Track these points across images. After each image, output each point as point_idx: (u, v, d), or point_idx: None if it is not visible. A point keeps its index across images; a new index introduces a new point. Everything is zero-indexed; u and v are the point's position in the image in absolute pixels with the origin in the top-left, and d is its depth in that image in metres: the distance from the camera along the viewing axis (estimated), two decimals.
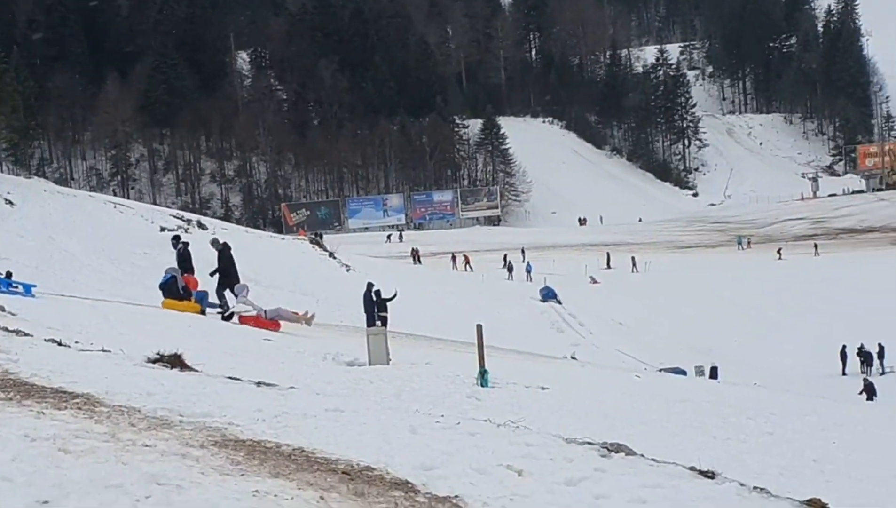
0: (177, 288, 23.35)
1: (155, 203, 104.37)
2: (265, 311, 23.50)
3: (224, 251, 24.40)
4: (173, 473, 5.52)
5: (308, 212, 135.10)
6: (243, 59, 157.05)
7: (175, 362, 10.69)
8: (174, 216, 54.34)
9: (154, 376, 9.62)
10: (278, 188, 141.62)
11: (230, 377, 10.29)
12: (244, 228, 73.52)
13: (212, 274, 24.09)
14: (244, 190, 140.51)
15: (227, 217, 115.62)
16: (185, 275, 23.81)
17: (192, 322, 19.92)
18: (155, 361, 10.73)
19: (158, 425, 6.99)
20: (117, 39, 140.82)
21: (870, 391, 39.93)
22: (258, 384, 9.90)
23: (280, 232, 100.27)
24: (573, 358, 39.19)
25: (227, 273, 23.91)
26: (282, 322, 23.47)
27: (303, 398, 9.22)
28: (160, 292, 23.88)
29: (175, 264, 24.27)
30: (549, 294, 60.59)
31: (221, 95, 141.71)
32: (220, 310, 23.46)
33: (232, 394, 8.88)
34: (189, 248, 24.55)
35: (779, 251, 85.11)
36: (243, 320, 22.82)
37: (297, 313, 24.52)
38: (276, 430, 7.20)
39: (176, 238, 25.75)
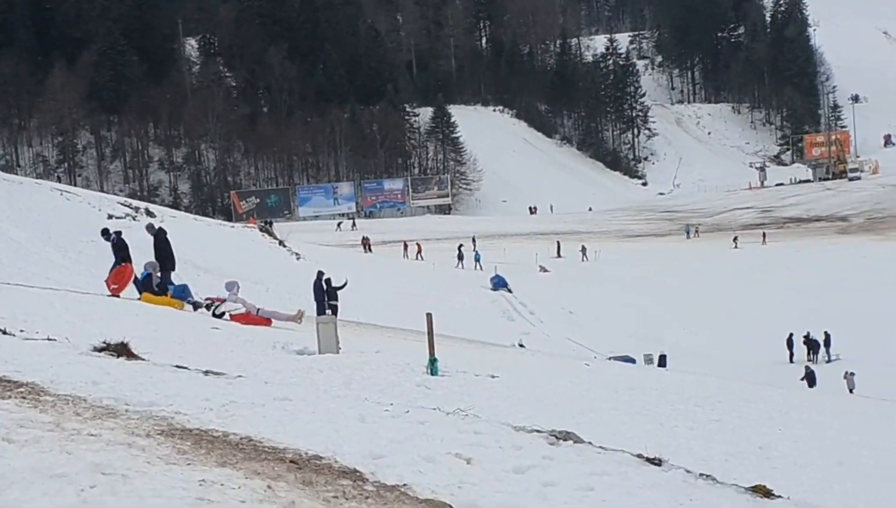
0: (151, 283, 22.99)
1: (102, 191, 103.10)
2: (258, 309, 23.32)
3: (160, 236, 24.05)
4: (119, 462, 5.47)
5: (258, 200, 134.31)
6: (192, 45, 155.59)
7: (121, 350, 10.58)
8: (122, 204, 53.72)
9: (100, 365, 9.53)
10: (227, 176, 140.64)
11: (177, 366, 10.22)
12: (193, 215, 72.98)
13: (162, 269, 23.64)
14: (193, 177, 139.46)
15: (175, 205, 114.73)
16: (123, 264, 23.38)
17: (140, 311, 19.73)
18: (101, 349, 10.62)
19: (104, 414, 6.93)
20: (64, 25, 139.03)
21: (810, 378, 40.58)
22: (206, 372, 9.83)
23: (230, 220, 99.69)
24: (520, 345, 39.43)
25: (165, 258, 23.60)
26: (274, 320, 23.31)
27: (251, 387, 9.18)
28: (103, 283, 23.61)
29: (153, 258, 23.85)
30: (499, 283, 60.74)
31: (170, 82, 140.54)
32: (192, 302, 23.15)
33: (179, 383, 8.82)
34: (123, 236, 24.11)
35: (734, 240, 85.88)
36: (234, 318, 22.51)
37: (290, 315, 24.29)
38: (224, 419, 7.16)
39: (105, 231, 25.12)
